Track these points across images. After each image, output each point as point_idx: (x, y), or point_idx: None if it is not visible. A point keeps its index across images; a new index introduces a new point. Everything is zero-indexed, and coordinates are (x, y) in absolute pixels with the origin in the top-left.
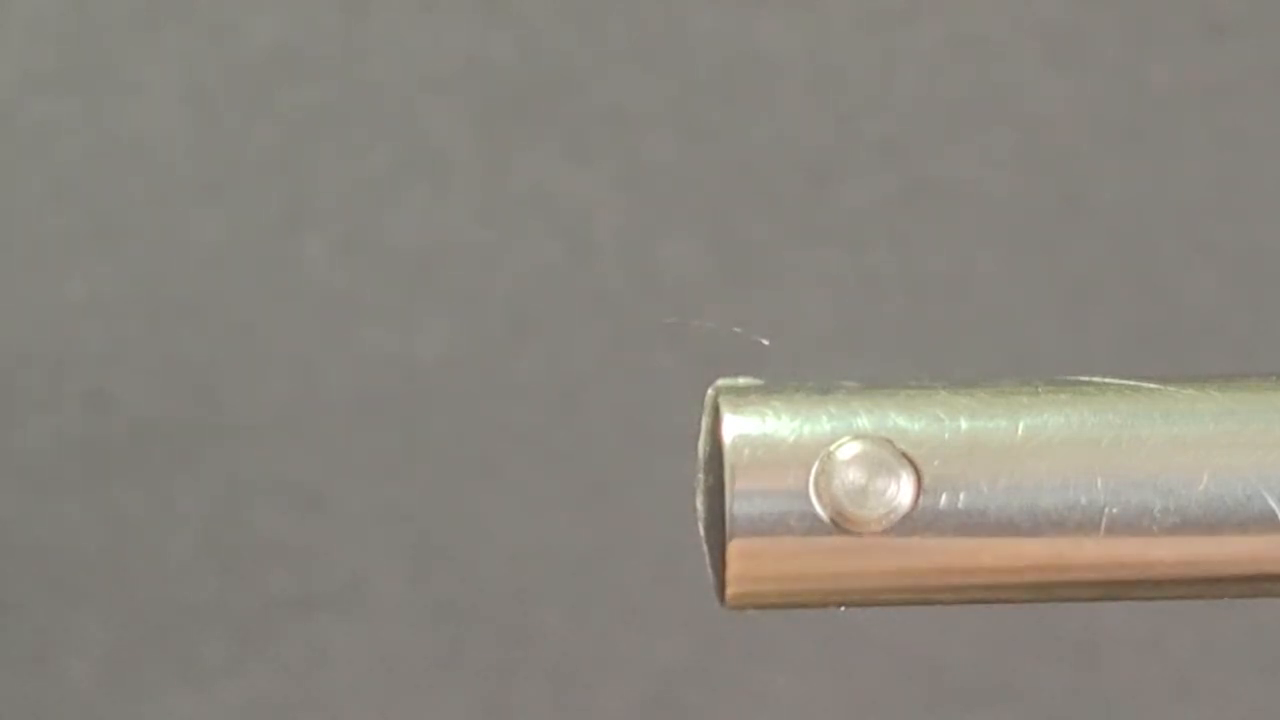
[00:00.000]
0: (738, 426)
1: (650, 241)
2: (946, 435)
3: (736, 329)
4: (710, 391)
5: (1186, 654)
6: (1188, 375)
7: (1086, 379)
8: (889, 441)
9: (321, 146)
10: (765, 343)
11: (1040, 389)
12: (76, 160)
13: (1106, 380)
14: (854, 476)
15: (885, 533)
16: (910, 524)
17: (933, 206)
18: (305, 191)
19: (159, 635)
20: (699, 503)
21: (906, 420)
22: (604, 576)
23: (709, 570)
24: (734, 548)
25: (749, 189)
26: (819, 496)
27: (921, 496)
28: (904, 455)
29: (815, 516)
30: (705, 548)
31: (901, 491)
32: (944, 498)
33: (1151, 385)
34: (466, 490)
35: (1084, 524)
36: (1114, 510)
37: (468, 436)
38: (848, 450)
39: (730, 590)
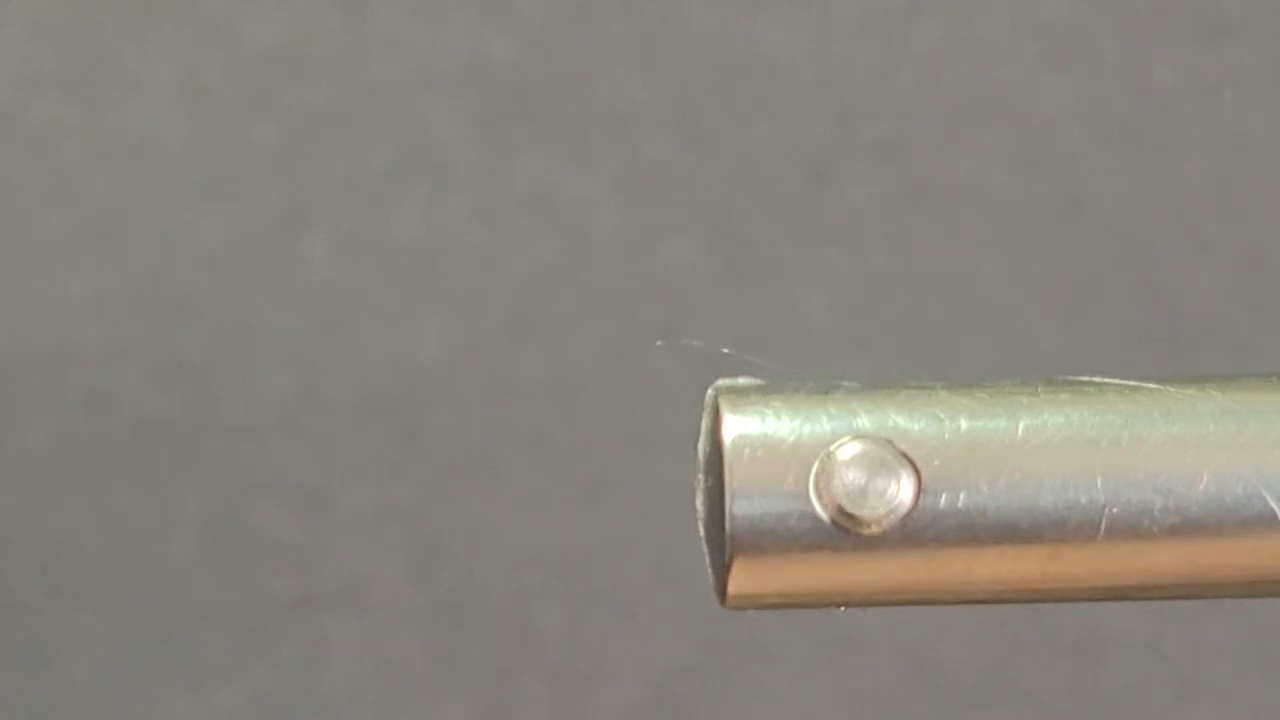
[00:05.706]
0: (738, 426)
1: (650, 241)
2: (946, 435)
3: (725, 350)
4: (710, 391)
5: (1186, 654)
6: (1188, 375)
7: (1086, 379)
8: (889, 441)
9: (321, 146)
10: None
11: (1040, 389)
12: (76, 160)
13: (1106, 380)
14: (854, 476)
15: (885, 533)
16: (910, 524)
17: (933, 206)
18: (305, 191)
19: (159, 635)
20: (699, 503)
21: (906, 420)
22: (604, 576)
23: (709, 570)
24: (734, 548)
25: (749, 189)
26: (819, 496)
27: (921, 496)
28: (904, 455)
29: (815, 517)
30: (705, 548)
31: (901, 491)
32: (944, 497)
33: (1151, 385)
34: (466, 490)
35: (1084, 524)
36: (1114, 510)
37: (468, 436)
38: (848, 450)
39: (730, 590)
